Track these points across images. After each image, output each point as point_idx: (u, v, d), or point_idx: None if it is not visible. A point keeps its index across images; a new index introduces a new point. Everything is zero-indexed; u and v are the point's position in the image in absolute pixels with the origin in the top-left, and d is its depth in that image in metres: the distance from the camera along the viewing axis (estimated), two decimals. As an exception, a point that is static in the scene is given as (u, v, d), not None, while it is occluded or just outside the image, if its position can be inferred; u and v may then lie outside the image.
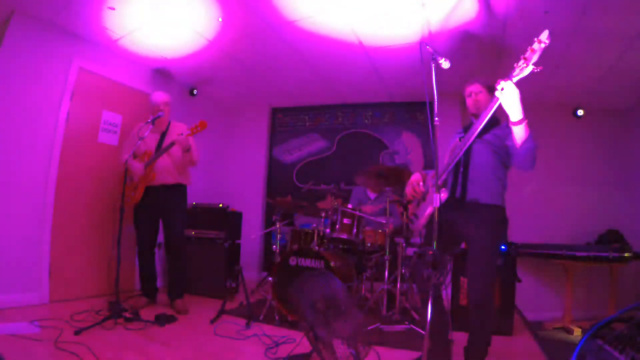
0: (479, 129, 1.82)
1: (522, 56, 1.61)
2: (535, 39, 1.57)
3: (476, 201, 1.88)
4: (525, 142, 1.71)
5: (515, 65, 1.63)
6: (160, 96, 3.13)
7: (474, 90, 2.05)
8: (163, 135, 3.12)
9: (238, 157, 5.34)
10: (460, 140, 2.00)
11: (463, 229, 1.94)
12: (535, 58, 1.57)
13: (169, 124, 3.20)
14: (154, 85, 3.99)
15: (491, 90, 2.01)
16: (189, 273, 3.49)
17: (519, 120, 1.68)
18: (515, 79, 1.63)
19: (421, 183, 2.09)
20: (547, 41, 1.54)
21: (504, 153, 1.92)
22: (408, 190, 2.13)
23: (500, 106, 1.72)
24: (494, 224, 1.90)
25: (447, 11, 2.70)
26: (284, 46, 3.41)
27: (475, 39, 3.02)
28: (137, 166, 3.01)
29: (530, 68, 1.59)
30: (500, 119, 1.99)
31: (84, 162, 3.39)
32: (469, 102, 2.07)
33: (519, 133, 1.70)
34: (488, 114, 1.76)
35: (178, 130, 3.04)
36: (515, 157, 1.83)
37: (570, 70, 3.25)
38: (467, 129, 2.03)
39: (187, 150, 3.00)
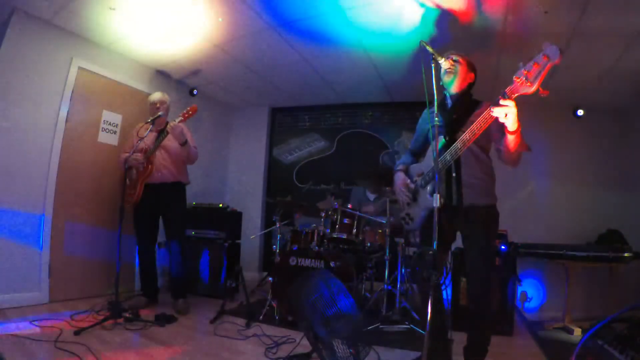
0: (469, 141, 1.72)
1: (524, 70, 1.46)
2: (541, 53, 1.42)
3: (474, 205, 1.86)
4: (518, 146, 1.68)
5: (515, 78, 1.49)
6: (155, 95, 3.21)
7: (452, 63, 1.88)
8: (161, 133, 3.12)
9: (238, 157, 5.34)
10: (436, 123, 1.66)
11: (460, 230, 1.94)
12: (539, 74, 1.43)
13: (167, 123, 3.20)
14: (154, 85, 3.99)
15: (471, 66, 1.96)
16: (189, 273, 3.49)
17: (515, 130, 1.62)
18: (515, 96, 1.52)
19: (408, 181, 2.06)
20: (555, 59, 1.39)
21: (486, 141, 1.85)
22: (399, 191, 2.08)
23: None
24: (491, 223, 1.90)
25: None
26: (284, 46, 3.41)
27: (474, 36, 3.02)
28: (137, 156, 3.03)
29: (534, 89, 1.45)
30: (477, 100, 1.94)
31: (84, 162, 3.39)
32: (447, 77, 1.90)
33: (514, 140, 1.66)
34: (481, 127, 1.67)
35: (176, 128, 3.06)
36: (504, 158, 1.80)
37: (570, 70, 3.25)
38: (443, 111, 1.92)
39: (183, 142, 2.99)
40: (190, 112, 3.00)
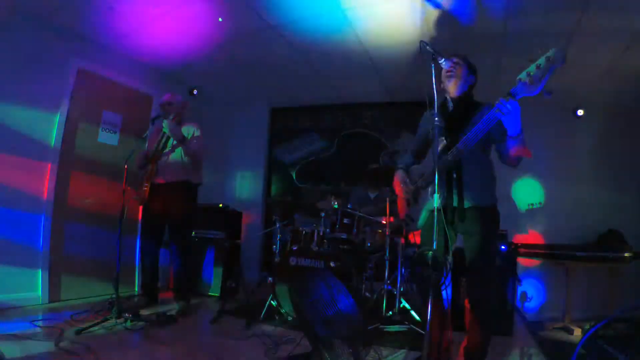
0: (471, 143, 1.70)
1: (527, 72, 1.43)
2: (544, 56, 1.39)
3: (474, 207, 1.85)
4: (519, 151, 1.66)
5: (519, 79, 1.46)
6: (164, 97, 3.20)
7: (453, 65, 1.87)
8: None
9: (238, 157, 5.34)
10: (436, 125, 1.67)
11: (461, 230, 1.94)
12: (543, 77, 1.40)
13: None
14: (154, 85, 3.99)
15: (472, 68, 1.95)
16: (191, 275, 3.48)
17: (517, 135, 1.60)
18: (518, 98, 1.49)
19: (407, 180, 2.06)
20: (559, 64, 1.35)
21: (487, 141, 1.84)
22: (399, 191, 2.07)
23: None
24: (492, 223, 1.89)
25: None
26: (284, 46, 3.41)
27: (475, 36, 3.02)
28: (142, 157, 3.06)
29: (538, 92, 1.43)
30: (478, 102, 1.93)
31: (84, 162, 3.39)
32: (448, 79, 1.89)
33: (515, 145, 1.64)
34: (484, 129, 1.64)
35: (185, 130, 3.09)
36: (504, 159, 1.80)
37: (571, 70, 3.25)
38: (444, 114, 1.90)
39: (180, 140, 2.97)
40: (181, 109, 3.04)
